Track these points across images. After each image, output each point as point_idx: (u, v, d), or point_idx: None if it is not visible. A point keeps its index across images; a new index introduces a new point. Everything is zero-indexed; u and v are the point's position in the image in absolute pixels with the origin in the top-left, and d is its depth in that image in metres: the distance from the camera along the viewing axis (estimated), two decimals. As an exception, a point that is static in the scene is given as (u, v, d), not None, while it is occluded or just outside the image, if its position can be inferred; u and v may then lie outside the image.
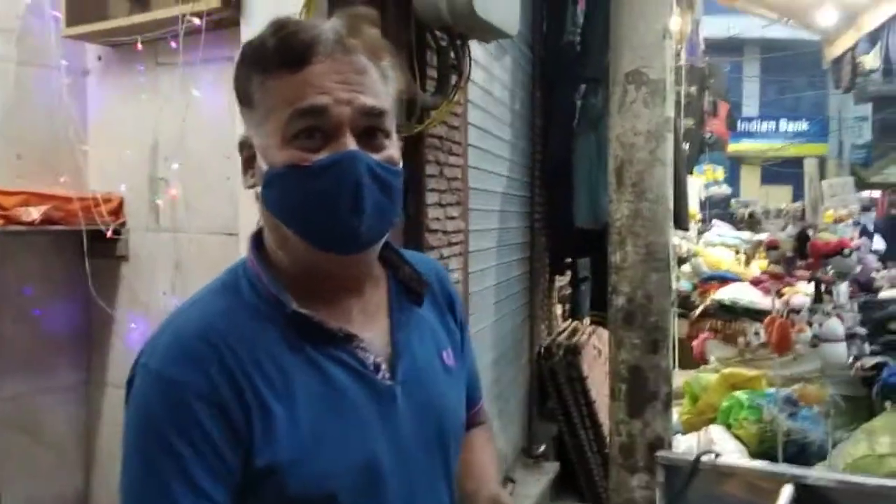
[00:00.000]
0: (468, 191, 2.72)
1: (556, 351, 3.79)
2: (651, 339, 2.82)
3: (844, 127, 18.41)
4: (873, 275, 5.04)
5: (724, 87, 10.30)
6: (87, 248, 2.19)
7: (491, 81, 3.07)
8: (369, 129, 0.79)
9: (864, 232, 6.94)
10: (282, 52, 0.77)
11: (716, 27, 13.73)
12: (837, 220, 5.76)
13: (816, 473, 1.45)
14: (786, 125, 19.12)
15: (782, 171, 17.25)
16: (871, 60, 10.95)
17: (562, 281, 4.56)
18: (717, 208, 10.90)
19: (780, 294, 4.08)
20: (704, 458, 1.45)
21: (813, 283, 3.55)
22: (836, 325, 3.21)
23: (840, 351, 3.20)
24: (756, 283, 5.59)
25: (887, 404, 3.58)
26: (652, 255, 2.83)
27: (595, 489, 3.74)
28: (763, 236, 6.50)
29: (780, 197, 14.07)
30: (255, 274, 0.82)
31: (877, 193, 10.89)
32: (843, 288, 3.58)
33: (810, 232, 3.38)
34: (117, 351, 2.36)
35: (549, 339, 4.06)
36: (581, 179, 3.80)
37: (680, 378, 4.46)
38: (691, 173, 7.94)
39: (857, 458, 3.22)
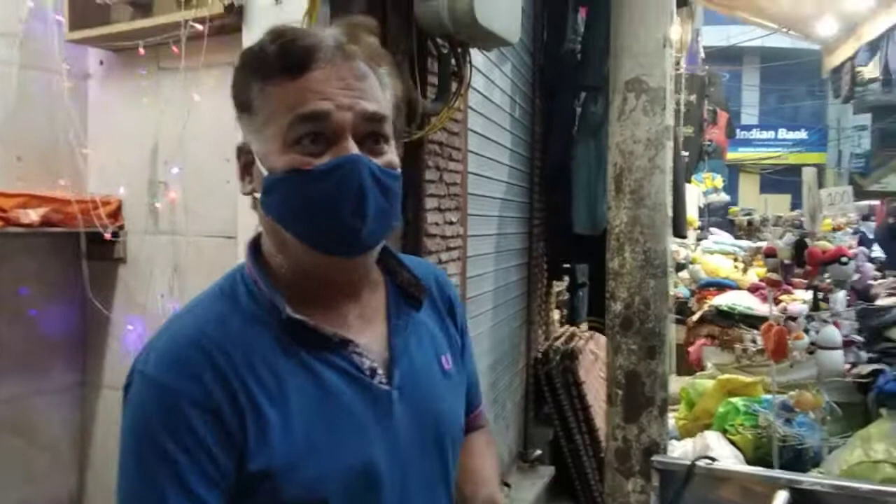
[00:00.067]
0: (467, 196, 2.73)
1: (552, 356, 3.79)
2: (648, 345, 2.83)
3: (843, 136, 18.47)
4: (871, 282, 5.06)
5: (724, 95, 10.34)
6: (85, 251, 2.20)
7: (491, 88, 3.08)
8: (370, 134, 0.80)
9: (864, 240, 6.96)
10: (282, 59, 0.78)
11: (715, 36, 13.79)
12: (836, 229, 5.78)
13: (811, 479, 1.45)
14: (785, 134, 19.18)
15: (781, 180, 17.30)
16: (870, 70, 10.99)
17: (559, 286, 4.57)
18: (716, 216, 10.91)
19: (777, 301, 4.09)
20: (700, 464, 1.46)
21: (810, 291, 3.56)
22: (833, 333, 3.22)
23: (837, 358, 3.21)
24: (753, 290, 5.62)
25: (883, 411, 3.59)
26: (650, 262, 2.84)
27: (590, 494, 3.74)
28: (761, 244, 6.51)
29: (778, 205, 14.10)
30: (252, 280, 0.83)
31: (877, 202, 10.92)
32: (841, 295, 3.59)
33: (808, 240, 3.40)
34: (113, 353, 2.36)
35: (546, 344, 4.07)
36: (580, 186, 3.82)
37: (676, 384, 4.47)
38: (690, 181, 7.97)
39: (852, 464, 3.23)
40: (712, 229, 9.51)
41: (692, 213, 7.64)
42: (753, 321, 5.21)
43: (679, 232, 4.56)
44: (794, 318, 3.50)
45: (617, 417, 2.86)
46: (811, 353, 3.33)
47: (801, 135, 19.14)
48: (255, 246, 0.86)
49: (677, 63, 5.85)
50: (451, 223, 2.55)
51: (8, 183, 2.14)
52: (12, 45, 2.18)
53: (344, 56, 0.79)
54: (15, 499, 2.26)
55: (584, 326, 4.45)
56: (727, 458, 3.48)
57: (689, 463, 1.47)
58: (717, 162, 13.06)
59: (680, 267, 6.80)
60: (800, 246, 3.37)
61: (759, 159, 18.76)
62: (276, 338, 0.79)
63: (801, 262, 3.37)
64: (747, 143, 18.64)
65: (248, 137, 0.83)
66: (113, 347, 2.37)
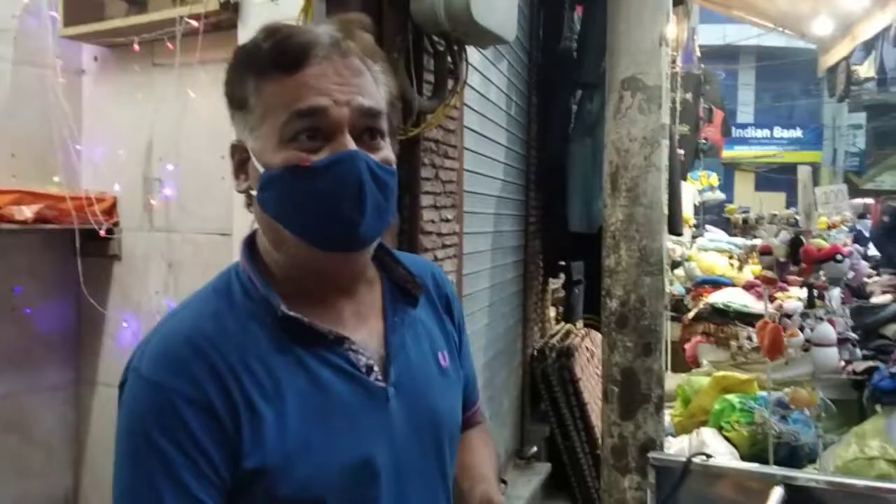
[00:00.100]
0: (463, 194, 2.73)
1: (549, 353, 3.80)
2: (644, 343, 2.83)
3: (838, 135, 18.54)
4: (865, 280, 5.07)
5: (719, 94, 10.36)
6: (79, 247, 2.19)
7: (487, 86, 3.08)
8: (366, 129, 0.80)
9: (860, 238, 6.97)
10: (278, 55, 0.77)
11: (711, 35, 13.82)
12: (831, 227, 5.79)
13: (807, 475, 1.45)
14: (780, 132, 19.23)
15: (776, 178, 17.35)
16: (865, 69, 11.03)
17: (555, 284, 4.58)
18: (711, 213, 10.93)
19: (772, 298, 4.11)
20: (696, 460, 1.46)
21: (805, 289, 3.57)
22: (827, 330, 3.23)
23: (831, 355, 3.21)
24: (749, 287, 5.64)
25: (877, 408, 3.61)
26: (645, 259, 2.85)
27: (587, 490, 3.75)
28: (756, 242, 6.53)
29: (773, 203, 14.14)
30: (247, 277, 0.82)
31: (871, 200, 10.96)
32: (836, 293, 3.60)
33: (803, 238, 3.40)
34: (108, 350, 2.36)
35: (542, 341, 4.07)
36: (576, 184, 3.82)
37: (672, 381, 4.48)
38: (686, 179, 7.97)
39: (847, 460, 3.24)
40: (708, 227, 9.53)
41: (688, 211, 7.65)
42: (749, 318, 5.23)
43: (675, 230, 4.57)
44: (789, 316, 3.51)
45: (613, 414, 2.87)
46: (806, 350, 3.33)
47: (797, 133, 19.19)
48: (250, 244, 0.86)
49: (673, 61, 5.85)
50: (447, 221, 2.54)
51: (2, 179, 2.13)
52: (6, 41, 2.17)
53: (340, 52, 0.79)
54: (10, 496, 2.26)
55: (580, 324, 4.46)
56: (723, 454, 3.49)
57: (685, 459, 1.47)
58: (712, 160, 13.10)
59: (675, 264, 6.81)
60: (795, 244, 3.37)
61: (755, 158, 18.81)
62: (271, 335, 0.79)
63: (796, 259, 3.37)
64: (743, 141, 18.69)
65: (243, 135, 0.82)
66: (107, 344, 2.36)
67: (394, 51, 2.04)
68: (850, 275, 3.78)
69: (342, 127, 0.77)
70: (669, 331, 5.63)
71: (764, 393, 3.68)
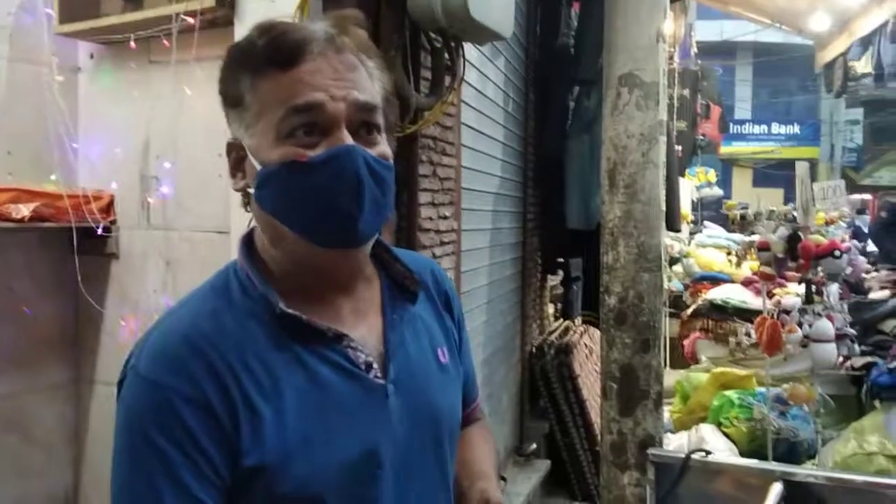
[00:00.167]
0: (461, 191, 2.73)
1: (547, 350, 3.80)
2: (642, 339, 2.83)
3: (836, 130, 18.55)
4: (864, 276, 5.08)
5: (717, 90, 10.35)
6: (76, 246, 2.18)
7: (485, 82, 3.08)
8: (362, 124, 0.80)
9: (859, 234, 6.98)
10: (273, 52, 0.77)
11: (708, 31, 13.82)
12: (829, 223, 5.80)
13: (806, 471, 1.46)
14: (778, 128, 19.24)
15: (774, 174, 17.37)
16: (862, 65, 11.03)
17: (554, 280, 4.58)
18: (709, 210, 10.94)
19: (770, 295, 4.11)
20: (695, 456, 1.46)
21: (804, 285, 3.57)
22: (826, 326, 3.23)
23: (830, 351, 3.22)
24: (747, 283, 5.64)
25: (876, 403, 3.62)
26: (644, 256, 2.85)
27: (586, 487, 3.76)
28: (754, 238, 6.53)
29: (771, 199, 14.15)
30: (245, 275, 0.82)
31: (869, 196, 10.98)
32: (834, 289, 3.60)
33: (801, 234, 3.40)
34: (107, 349, 2.35)
35: (540, 338, 4.07)
36: (573, 181, 3.82)
37: (671, 377, 4.48)
38: (684, 175, 7.98)
39: (846, 456, 3.25)
40: (706, 223, 9.53)
41: (686, 208, 7.65)
42: (747, 315, 5.23)
43: (673, 226, 4.57)
44: (787, 312, 3.51)
45: (612, 411, 2.87)
46: (804, 346, 3.34)
47: (794, 129, 19.20)
48: (247, 242, 0.86)
49: (670, 57, 5.85)
50: (445, 218, 2.54)
51: (-2, 178, 2.12)
52: (1, 38, 2.16)
53: (335, 48, 0.79)
54: (10, 496, 2.25)
55: (579, 321, 4.47)
56: (722, 450, 3.50)
57: (684, 456, 1.47)
58: (710, 156, 13.11)
59: (674, 261, 6.81)
60: (793, 240, 3.37)
61: (753, 154, 18.82)
62: (269, 333, 0.79)
63: (795, 255, 3.37)
64: (740, 137, 18.69)
65: (239, 133, 0.82)
66: (106, 343, 2.36)
67: (391, 48, 2.03)
68: (849, 270, 3.79)
69: (339, 122, 0.77)
70: (668, 327, 5.64)
71: (762, 389, 3.69)
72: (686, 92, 7.52)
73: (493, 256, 3.31)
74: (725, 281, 6.30)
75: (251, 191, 0.81)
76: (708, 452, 1.51)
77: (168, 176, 2.21)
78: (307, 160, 0.76)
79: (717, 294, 5.74)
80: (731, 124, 15.59)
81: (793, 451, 3.50)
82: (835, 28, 7.26)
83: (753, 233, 7.36)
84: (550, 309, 4.65)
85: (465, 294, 2.84)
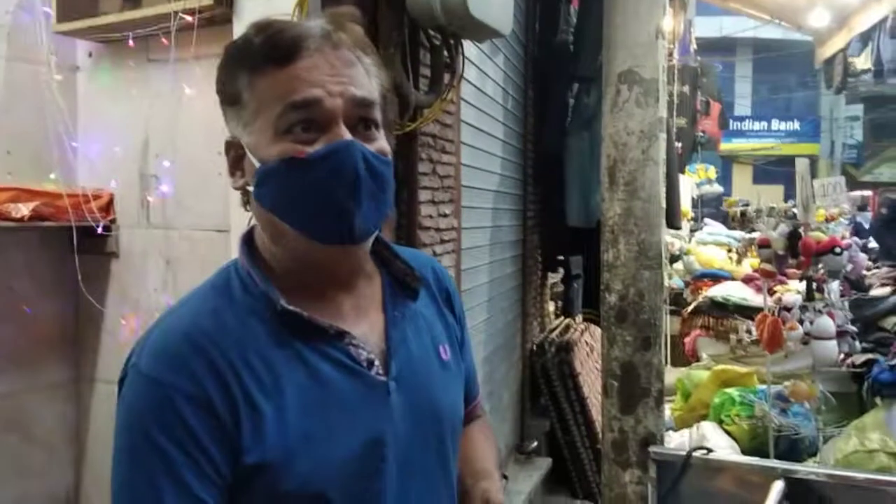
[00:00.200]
0: (461, 188, 2.72)
1: (548, 348, 3.80)
2: (643, 337, 2.83)
3: (836, 127, 18.54)
4: (864, 273, 5.07)
5: (717, 86, 10.34)
6: (76, 245, 2.18)
7: (484, 80, 3.07)
8: (360, 120, 0.80)
9: (860, 230, 6.97)
10: (270, 49, 0.77)
11: (708, 27, 13.79)
12: (829, 220, 5.79)
13: (807, 469, 1.46)
14: (778, 125, 19.22)
15: (774, 171, 17.36)
16: (862, 61, 11.01)
17: (554, 278, 4.57)
18: (709, 207, 10.94)
19: (771, 292, 4.11)
20: (696, 454, 1.46)
21: (804, 282, 3.57)
22: (827, 323, 3.23)
23: (831, 348, 3.21)
24: (748, 280, 5.63)
25: (877, 400, 3.61)
26: (644, 253, 2.84)
27: (587, 485, 3.76)
28: (755, 235, 6.53)
29: (771, 196, 14.14)
30: (246, 273, 0.82)
31: (869, 192, 10.97)
32: (835, 286, 3.60)
33: (801, 231, 3.40)
34: (107, 348, 2.35)
35: (541, 336, 4.07)
36: (573, 178, 3.81)
37: (672, 375, 4.48)
38: (684, 172, 7.97)
39: (847, 453, 3.24)
40: (706, 220, 9.52)
41: (686, 205, 7.64)
42: (748, 312, 5.23)
43: (673, 223, 4.56)
44: (788, 309, 3.51)
45: (613, 409, 2.87)
46: (805, 343, 3.33)
47: (794, 126, 19.18)
48: (248, 240, 0.86)
49: (670, 54, 5.84)
50: (445, 215, 2.54)
51: (-3, 177, 2.12)
52: (-1, 38, 2.15)
53: (331, 44, 0.79)
54: (11, 496, 2.25)
55: (579, 318, 4.46)
56: (723, 448, 3.50)
57: (685, 454, 1.47)
58: (710, 153, 13.09)
59: (674, 258, 6.81)
60: (793, 237, 3.37)
61: (752, 150, 18.80)
62: (270, 330, 0.78)
63: (795, 252, 3.37)
64: (740, 134, 18.68)
65: (237, 131, 0.82)
66: (107, 342, 2.35)
67: (390, 45, 2.03)
68: (849, 267, 3.78)
69: (336, 118, 0.77)
70: (668, 325, 5.64)
71: (763, 386, 3.68)
72: (686, 88, 7.51)
73: (493, 254, 3.31)
74: (726, 278, 6.30)
75: (250, 189, 0.81)
76: (709, 450, 1.51)
77: (167, 174, 2.20)
78: (305, 156, 0.76)
79: (717, 291, 5.74)
80: (731, 121, 15.57)
81: (794, 449, 3.49)
82: (834, 24, 7.26)
83: (754, 230, 7.37)
84: (551, 307, 4.65)
85: (465, 292, 2.84)
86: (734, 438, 3.72)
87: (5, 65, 2.18)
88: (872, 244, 6.30)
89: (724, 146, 16.06)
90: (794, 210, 5.74)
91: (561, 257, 4.34)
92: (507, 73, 3.47)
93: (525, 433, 3.83)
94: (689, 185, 8.86)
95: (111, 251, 2.32)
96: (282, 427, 0.75)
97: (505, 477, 3.30)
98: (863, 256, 4.57)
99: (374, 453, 0.79)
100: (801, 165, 3.62)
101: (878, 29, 7.74)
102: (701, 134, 8.64)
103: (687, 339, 5.59)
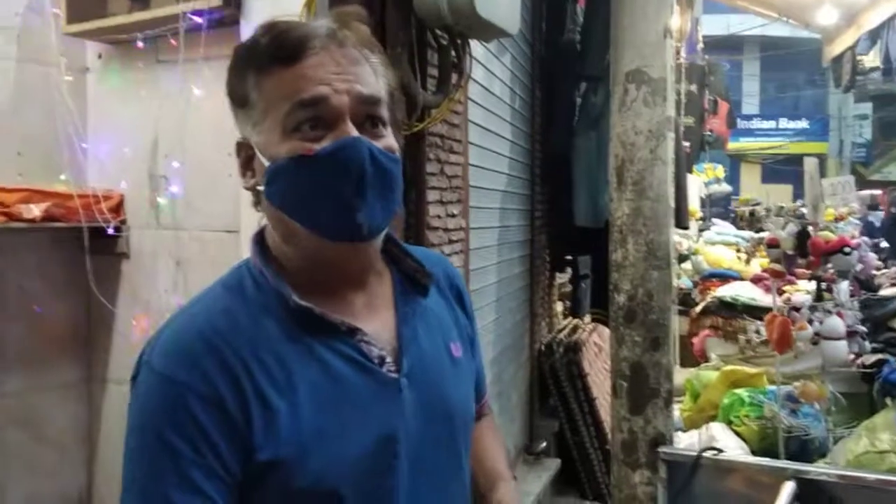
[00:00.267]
0: (469, 189, 2.72)
1: (556, 348, 3.79)
2: (652, 337, 2.82)
3: (844, 125, 18.42)
4: (874, 272, 5.04)
5: (724, 85, 10.28)
6: (87, 246, 2.20)
7: (491, 79, 3.07)
8: (367, 117, 0.80)
9: (871, 230, 6.93)
10: (276, 49, 0.78)
11: (715, 25, 13.73)
12: (838, 219, 5.76)
13: (818, 469, 1.45)
14: (786, 123, 19.12)
15: (782, 170, 17.26)
16: (871, 59, 10.93)
17: (562, 278, 4.57)
18: (718, 206, 10.90)
19: (780, 292, 4.08)
20: (706, 455, 1.46)
21: (814, 281, 3.55)
22: (836, 323, 3.21)
23: (841, 348, 3.20)
24: (756, 280, 5.60)
25: (888, 401, 3.59)
26: (653, 253, 2.83)
27: (597, 485, 3.75)
28: (763, 234, 6.50)
29: (780, 195, 14.07)
30: (258, 272, 0.83)
31: (879, 191, 10.90)
32: (844, 286, 3.58)
33: (811, 230, 3.38)
34: (118, 348, 2.37)
35: (549, 336, 4.06)
36: (581, 178, 3.80)
37: (681, 375, 4.46)
38: (692, 171, 7.94)
39: (857, 454, 3.22)
40: (714, 220, 9.49)
41: (694, 204, 7.62)
42: (757, 312, 5.20)
43: (681, 223, 4.55)
44: (797, 309, 3.49)
45: (622, 409, 2.86)
46: (815, 343, 3.32)
47: (803, 124, 19.07)
48: (259, 240, 0.87)
49: (677, 53, 5.82)
50: (453, 216, 2.54)
51: (9, 178, 2.13)
52: (9, 39, 2.17)
53: (337, 42, 0.80)
54: (23, 495, 2.27)
55: (588, 318, 4.45)
56: (733, 449, 3.48)
57: (695, 454, 1.46)
58: (718, 152, 13.02)
59: (682, 258, 6.79)
60: (802, 236, 3.35)
61: (761, 149, 18.71)
62: (283, 327, 0.79)
63: (804, 252, 3.35)
64: (748, 132, 18.58)
65: (247, 131, 0.83)
66: (118, 342, 2.37)
67: (397, 45, 2.03)
68: (859, 267, 3.76)
69: (343, 115, 0.78)
70: (677, 325, 5.62)
71: (773, 387, 3.67)
72: (693, 87, 7.48)
73: (501, 254, 3.31)
74: (735, 278, 6.27)
75: (261, 188, 0.82)
76: (719, 451, 1.50)
77: (177, 175, 2.21)
78: (313, 153, 0.77)
79: (726, 291, 5.71)
80: (739, 119, 15.52)
81: (804, 450, 3.47)
82: (842, 21, 7.20)
83: (762, 229, 7.33)
84: (559, 307, 4.64)
85: (474, 292, 2.84)
86: (743, 439, 3.70)
87: (15, 66, 2.19)
88: (885, 244, 6.27)
89: (732, 145, 15.97)
90: (804, 209, 5.70)
91: (569, 257, 4.33)
92: (514, 73, 3.47)
93: (534, 434, 3.82)
94: (698, 184, 8.84)
95: (122, 252, 2.33)
96: (295, 423, 0.75)
97: (514, 478, 3.29)
98: (872, 256, 4.55)
99: (387, 450, 0.80)
100: (810, 164, 3.61)
101: (887, 26, 7.67)
102: (709, 133, 8.60)
103: (696, 340, 5.57)
